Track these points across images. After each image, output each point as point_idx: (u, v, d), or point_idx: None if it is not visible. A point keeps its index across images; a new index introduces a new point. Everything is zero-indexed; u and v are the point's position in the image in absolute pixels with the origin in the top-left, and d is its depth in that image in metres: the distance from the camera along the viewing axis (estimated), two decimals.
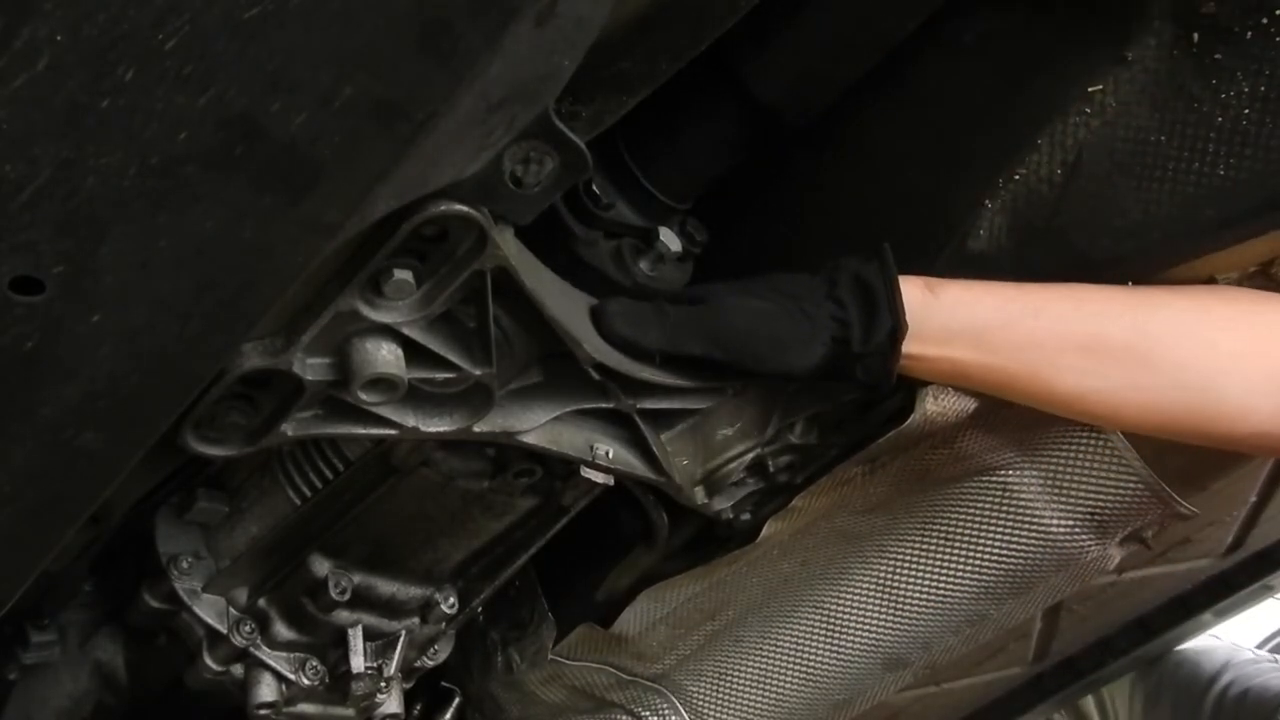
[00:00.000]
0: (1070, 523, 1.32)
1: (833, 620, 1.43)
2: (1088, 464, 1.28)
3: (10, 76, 0.53)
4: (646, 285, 1.06)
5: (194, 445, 0.85)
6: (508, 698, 1.57)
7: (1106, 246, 1.07)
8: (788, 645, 1.46)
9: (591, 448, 1.04)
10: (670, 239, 1.07)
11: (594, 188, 1.03)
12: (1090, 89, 1.00)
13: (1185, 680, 2.08)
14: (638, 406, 1.03)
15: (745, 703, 1.51)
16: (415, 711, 1.58)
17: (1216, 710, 2.00)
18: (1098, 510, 1.31)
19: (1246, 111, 0.97)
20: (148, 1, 0.53)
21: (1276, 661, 2.12)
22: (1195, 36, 0.96)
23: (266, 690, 1.14)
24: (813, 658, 1.46)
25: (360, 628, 1.17)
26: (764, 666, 1.48)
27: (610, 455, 1.05)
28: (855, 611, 1.42)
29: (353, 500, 1.07)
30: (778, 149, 1.12)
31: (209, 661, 1.13)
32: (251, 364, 0.80)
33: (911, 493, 1.33)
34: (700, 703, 1.52)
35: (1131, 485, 1.28)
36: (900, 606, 1.40)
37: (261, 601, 1.13)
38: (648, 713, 1.53)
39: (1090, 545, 1.34)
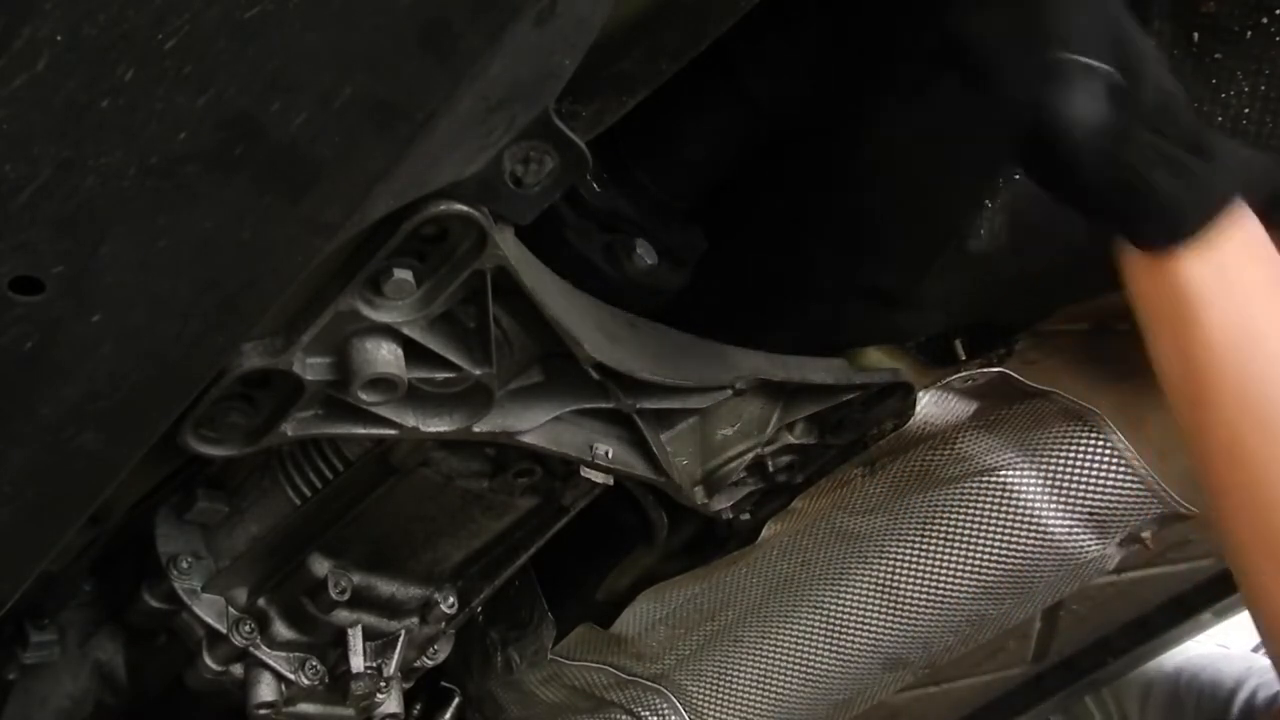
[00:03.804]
0: (1070, 523, 1.32)
1: (833, 620, 1.43)
2: (1088, 464, 1.28)
3: (10, 76, 0.53)
4: (638, 282, 1.05)
5: (194, 445, 0.85)
6: (507, 698, 1.57)
7: (1106, 247, 1.07)
8: (788, 645, 1.46)
9: (591, 448, 1.04)
10: (647, 251, 1.06)
11: (588, 177, 1.02)
12: None
13: (1208, 688, 2.08)
14: (638, 406, 1.03)
15: (745, 703, 1.51)
16: (415, 711, 1.58)
17: (1246, 714, 2.01)
18: (1098, 510, 1.31)
19: (1246, 111, 0.97)
20: (148, 1, 0.53)
21: None
22: (1195, 36, 0.96)
23: (266, 690, 1.14)
24: (813, 658, 1.46)
25: (360, 628, 1.17)
26: (764, 666, 1.48)
27: (610, 455, 1.05)
28: (855, 611, 1.42)
29: (353, 500, 1.07)
30: (777, 149, 1.11)
31: (209, 661, 1.13)
32: (251, 364, 0.80)
33: (911, 493, 1.33)
34: (700, 703, 1.52)
35: (1131, 485, 1.29)
36: (900, 606, 1.40)
37: (261, 601, 1.13)
38: (647, 713, 1.53)
39: (1090, 545, 1.34)
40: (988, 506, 1.32)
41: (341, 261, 0.78)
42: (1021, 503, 1.30)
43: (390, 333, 0.83)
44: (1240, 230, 0.76)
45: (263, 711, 1.14)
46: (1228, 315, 0.76)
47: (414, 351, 0.85)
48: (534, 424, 0.98)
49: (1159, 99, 0.74)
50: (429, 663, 1.33)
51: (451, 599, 1.25)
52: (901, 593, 1.39)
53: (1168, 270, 0.77)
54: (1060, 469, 1.28)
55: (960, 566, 1.35)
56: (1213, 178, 0.74)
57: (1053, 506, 1.30)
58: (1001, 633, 1.52)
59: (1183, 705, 2.09)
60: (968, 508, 1.32)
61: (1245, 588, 0.80)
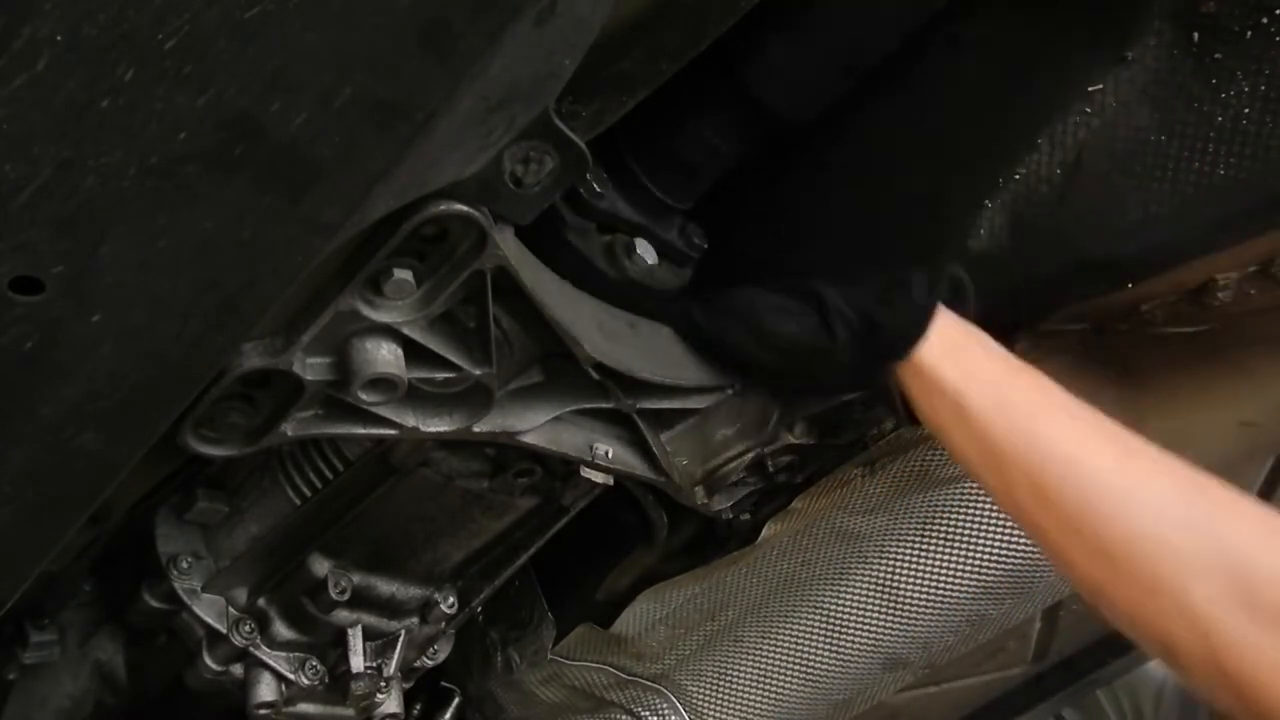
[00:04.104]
0: None
1: (833, 620, 1.43)
2: None
3: (10, 76, 0.53)
4: (638, 282, 1.05)
5: (194, 445, 0.85)
6: (507, 698, 1.57)
7: (1106, 246, 1.07)
8: (788, 645, 1.46)
9: (591, 448, 1.04)
10: (647, 251, 1.06)
11: (588, 177, 1.02)
12: (1090, 89, 1.00)
13: None
14: (638, 406, 1.03)
15: (745, 703, 1.51)
16: (415, 711, 1.58)
17: None
18: None
19: (1246, 111, 0.97)
20: (148, 1, 0.53)
21: None
22: (1195, 36, 0.96)
23: (266, 690, 1.14)
24: (813, 658, 1.46)
25: (360, 628, 1.17)
26: (764, 666, 1.48)
27: (610, 455, 1.05)
28: (855, 611, 1.42)
29: (352, 500, 1.07)
30: (778, 149, 1.11)
31: (209, 661, 1.13)
32: (251, 364, 0.80)
33: (911, 493, 1.33)
34: (700, 703, 1.52)
35: None
36: (900, 606, 1.40)
37: (261, 601, 1.13)
38: (647, 713, 1.53)
39: None
40: (988, 506, 1.32)
41: (341, 261, 0.78)
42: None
43: (390, 333, 0.83)
44: (951, 327, 0.97)
45: (263, 711, 1.14)
46: (983, 395, 0.94)
47: (414, 351, 0.85)
48: (534, 424, 0.98)
49: (849, 296, 0.99)
50: (429, 663, 1.33)
51: (451, 599, 1.25)
52: (901, 593, 1.39)
53: (925, 375, 0.96)
54: None
55: (960, 566, 1.35)
56: (910, 299, 0.97)
57: None
58: (1001, 633, 1.52)
59: (1198, 704, 2.09)
60: (968, 508, 1.32)
61: (1110, 613, 0.90)
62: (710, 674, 1.50)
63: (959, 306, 0.99)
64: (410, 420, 0.91)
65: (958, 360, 0.95)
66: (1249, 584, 0.82)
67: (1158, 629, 0.85)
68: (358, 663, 1.16)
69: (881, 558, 1.38)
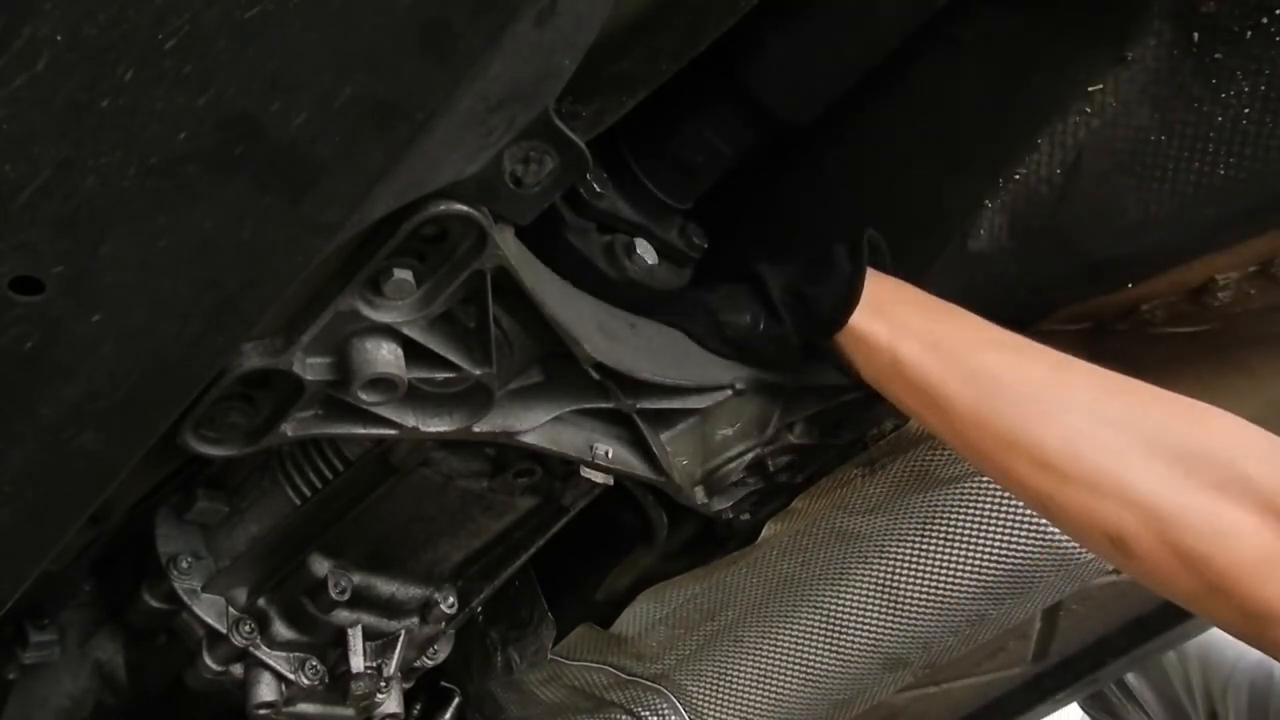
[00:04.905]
0: None
1: (833, 620, 1.43)
2: None
3: (10, 76, 0.53)
4: (638, 282, 1.05)
5: (194, 445, 0.85)
6: (507, 698, 1.57)
7: (1106, 246, 1.07)
8: (788, 645, 1.46)
9: (591, 448, 1.04)
10: (647, 251, 1.07)
11: (588, 177, 1.02)
12: (1090, 89, 1.00)
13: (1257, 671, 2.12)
14: (638, 406, 1.03)
15: (745, 703, 1.51)
16: (415, 711, 1.59)
17: None
18: None
19: (1246, 111, 0.97)
20: (148, 1, 0.53)
21: None
22: (1195, 36, 0.96)
23: (266, 690, 1.14)
24: (813, 658, 1.46)
25: (360, 628, 1.17)
26: (764, 666, 1.48)
27: (610, 455, 1.05)
28: (855, 611, 1.42)
29: (352, 500, 1.07)
30: (778, 149, 1.12)
31: (209, 661, 1.13)
32: (251, 364, 0.80)
33: (911, 493, 1.33)
34: (700, 703, 1.52)
35: None
36: (900, 606, 1.40)
37: (261, 601, 1.13)
38: (647, 713, 1.53)
39: None
40: (988, 506, 1.32)
41: (341, 261, 0.78)
42: (1021, 503, 1.30)
43: (390, 333, 0.83)
44: (877, 287, 1.00)
45: (263, 711, 1.14)
46: (914, 344, 0.98)
47: (414, 351, 0.85)
48: (534, 424, 0.98)
49: (784, 279, 1.05)
50: (429, 663, 1.33)
51: (451, 599, 1.25)
52: (901, 593, 1.39)
53: (860, 338, 1.00)
54: None
55: (960, 566, 1.35)
56: (834, 272, 1.01)
57: None
58: (1001, 633, 1.52)
59: (1271, 686, 2.10)
60: (968, 508, 1.32)
61: (1062, 521, 0.95)
62: (710, 674, 1.50)
63: (880, 265, 1.03)
64: (410, 420, 0.91)
65: (887, 317, 0.99)
66: (1185, 461, 0.87)
67: (1108, 523, 0.89)
68: (358, 663, 1.16)
69: (881, 558, 1.38)
